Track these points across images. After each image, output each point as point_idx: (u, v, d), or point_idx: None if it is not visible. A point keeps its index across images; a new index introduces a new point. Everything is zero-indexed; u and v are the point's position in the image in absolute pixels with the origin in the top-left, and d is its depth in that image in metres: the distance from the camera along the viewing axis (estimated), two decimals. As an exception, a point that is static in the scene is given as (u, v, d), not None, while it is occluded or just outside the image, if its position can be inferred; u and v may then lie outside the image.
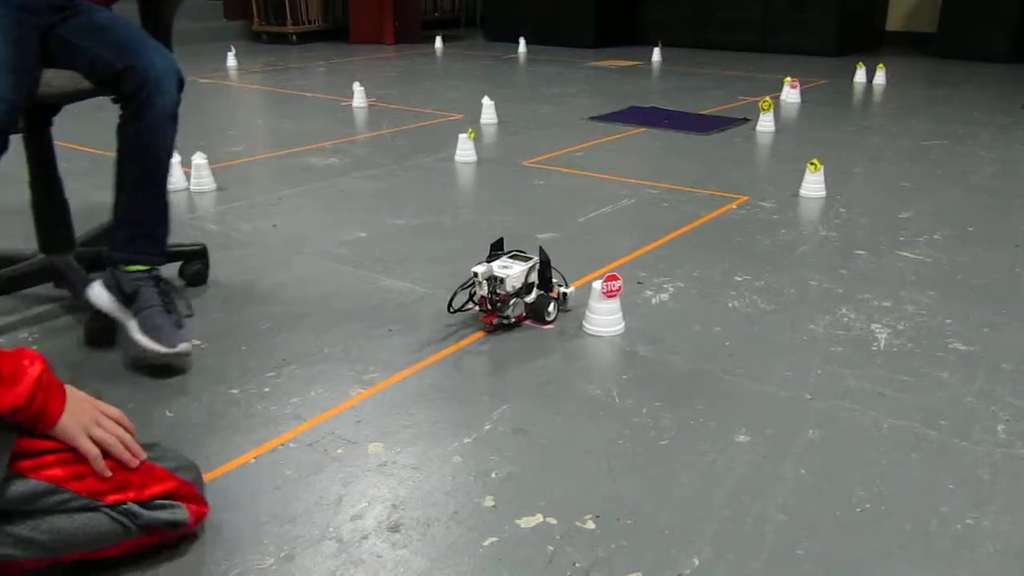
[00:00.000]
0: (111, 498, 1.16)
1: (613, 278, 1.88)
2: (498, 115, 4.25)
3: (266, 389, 1.68)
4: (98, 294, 1.81)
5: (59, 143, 1.98)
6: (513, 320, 1.93)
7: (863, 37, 7.24)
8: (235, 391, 1.67)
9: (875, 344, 1.87)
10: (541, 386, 1.70)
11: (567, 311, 2.02)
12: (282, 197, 2.98)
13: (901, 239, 2.55)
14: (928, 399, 1.65)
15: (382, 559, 1.21)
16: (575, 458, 1.46)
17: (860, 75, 5.60)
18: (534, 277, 1.96)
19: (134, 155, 1.79)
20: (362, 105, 4.64)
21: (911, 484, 1.39)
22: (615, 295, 1.89)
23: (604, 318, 1.90)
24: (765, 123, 4.06)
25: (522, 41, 7.31)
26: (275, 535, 1.26)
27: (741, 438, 1.51)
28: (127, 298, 1.78)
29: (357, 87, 4.69)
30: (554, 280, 1.98)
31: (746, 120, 4.29)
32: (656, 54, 6.70)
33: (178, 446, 1.32)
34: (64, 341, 1.89)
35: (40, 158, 1.94)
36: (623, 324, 1.92)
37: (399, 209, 2.84)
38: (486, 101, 4.24)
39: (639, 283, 2.20)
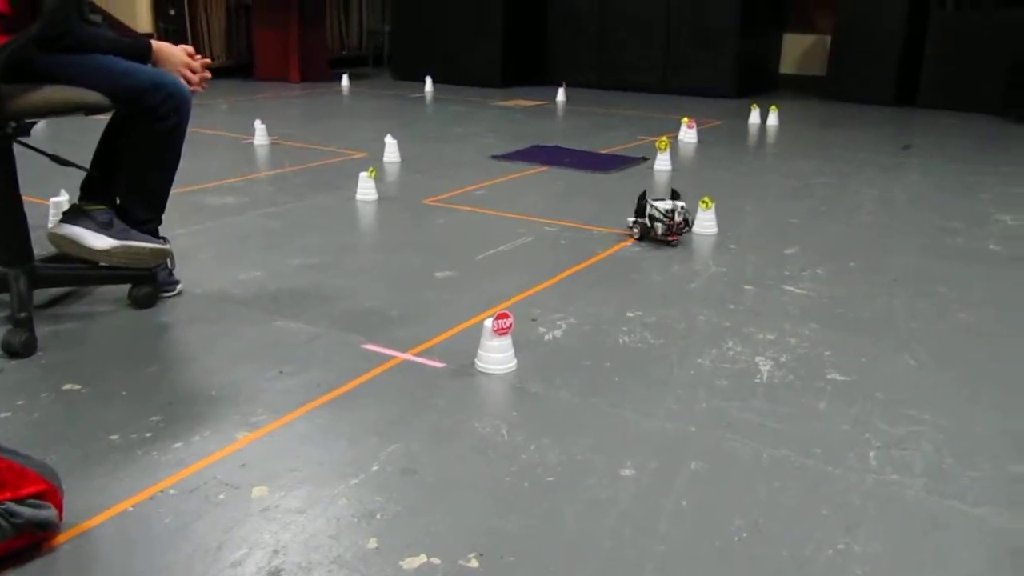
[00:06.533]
0: None
1: (504, 316, 1.90)
2: (401, 154, 4.26)
3: (148, 434, 1.63)
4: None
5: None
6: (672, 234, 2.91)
7: (759, 79, 7.52)
8: (115, 437, 1.62)
9: (758, 376, 1.94)
10: (431, 425, 1.70)
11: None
12: (174, 236, 2.91)
13: (787, 274, 2.65)
14: (806, 429, 1.71)
15: (260, 606, 1.19)
16: (461, 497, 1.46)
17: (754, 116, 5.81)
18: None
19: None
20: (263, 143, 4.60)
21: (788, 512, 1.43)
22: (506, 332, 1.91)
23: (495, 355, 1.91)
24: (662, 162, 4.17)
25: (429, 80, 7.36)
26: (148, 586, 1.22)
27: (626, 472, 1.54)
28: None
29: (259, 124, 4.64)
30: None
31: (644, 159, 4.40)
32: (561, 94, 6.83)
33: (47, 496, 1.28)
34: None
35: (5, 175, 2.04)
36: (515, 362, 1.94)
37: (296, 248, 2.81)
38: (389, 139, 4.25)
39: (533, 320, 2.23)
